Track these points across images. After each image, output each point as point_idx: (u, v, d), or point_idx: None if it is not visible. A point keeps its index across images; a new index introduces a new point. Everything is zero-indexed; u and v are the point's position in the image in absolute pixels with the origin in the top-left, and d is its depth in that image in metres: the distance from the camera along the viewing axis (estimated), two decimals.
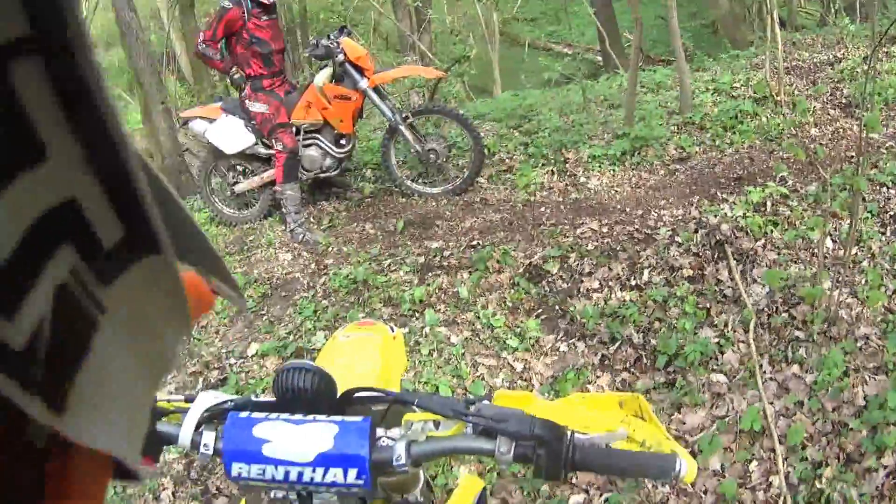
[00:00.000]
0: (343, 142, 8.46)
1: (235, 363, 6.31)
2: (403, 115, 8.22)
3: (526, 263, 6.30)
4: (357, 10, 21.18)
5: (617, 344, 5.45)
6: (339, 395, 1.77)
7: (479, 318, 5.88)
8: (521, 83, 16.05)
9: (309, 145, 8.38)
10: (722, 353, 5.16)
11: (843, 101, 8.83)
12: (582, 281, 5.99)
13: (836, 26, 11.62)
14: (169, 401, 1.90)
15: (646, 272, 5.85)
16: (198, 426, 1.73)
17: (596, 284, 5.93)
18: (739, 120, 8.49)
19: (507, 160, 8.79)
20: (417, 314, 6.12)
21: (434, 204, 8.18)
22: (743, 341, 5.18)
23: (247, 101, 8.24)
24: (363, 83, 8.08)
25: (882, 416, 4.21)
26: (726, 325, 5.28)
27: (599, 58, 18.56)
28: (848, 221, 5.46)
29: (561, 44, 24.97)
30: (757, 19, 16.34)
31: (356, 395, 1.79)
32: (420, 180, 8.64)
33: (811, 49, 11.24)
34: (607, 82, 12.15)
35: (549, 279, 6.10)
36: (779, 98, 8.65)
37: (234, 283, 0.89)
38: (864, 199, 6.12)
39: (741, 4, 16.90)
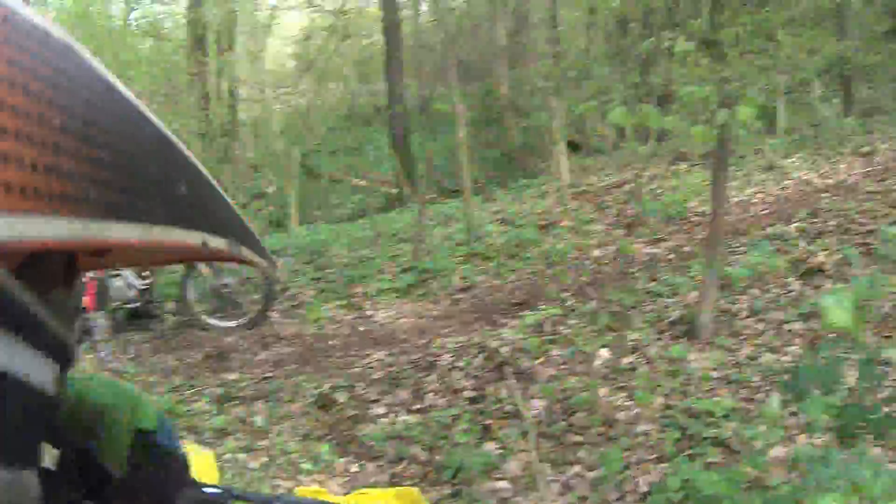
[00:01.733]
0: (145, 274, 8.70)
1: None
2: None
3: (317, 393, 6.61)
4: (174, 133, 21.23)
5: (405, 462, 5.69)
6: None
7: (274, 444, 6.08)
8: (317, 217, 16.34)
9: (114, 276, 8.56)
10: (504, 462, 5.45)
11: (627, 221, 9.41)
12: (370, 407, 6.31)
13: (627, 149, 12.08)
14: None
15: (429, 396, 6.20)
16: None
17: (382, 410, 6.25)
18: (523, 248, 8.99)
19: (299, 295, 9.19)
20: (218, 441, 6.25)
21: (231, 338, 8.44)
22: (524, 450, 5.44)
23: None
24: None
25: (665, 498, 4.52)
26: (507, 437, 5.61)
27: (395, 190, 18.98)
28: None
29: (358, 177, 25.37)
30: (550, 147, 17.04)
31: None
32: (217, 314, 8.85)
33: (601, 172, 11.89)
34: (399, 216, 12.56)
35: (339, 406, 6.40)
36: (563, 224, 9.13)
37: (264, 251, 1.06)
38: (640, 311, 6.61)
39: (535, 133, 17.55)
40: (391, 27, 18.64)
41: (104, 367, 8.01)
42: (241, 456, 6.03)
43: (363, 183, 24.44)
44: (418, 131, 18.06)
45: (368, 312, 8.44)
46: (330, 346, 7.74)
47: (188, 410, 6.79)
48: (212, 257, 0.94)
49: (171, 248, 0.78)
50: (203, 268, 8.53)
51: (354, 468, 5.77)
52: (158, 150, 0.79)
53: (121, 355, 8.49)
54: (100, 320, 8.21)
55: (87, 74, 0.69)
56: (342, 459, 5.86)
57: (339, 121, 29.02)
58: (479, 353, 6.54)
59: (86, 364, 8.25)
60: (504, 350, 6.48)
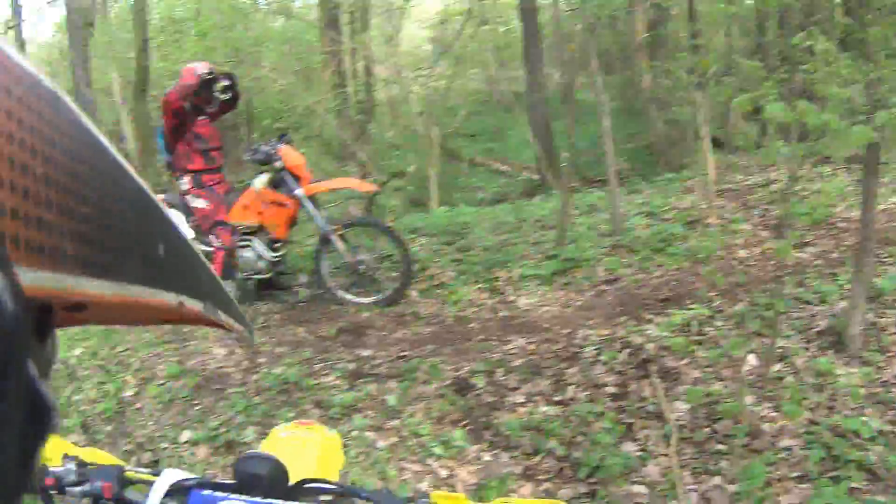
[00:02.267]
0: (277, 246, 8.66)
1: (167, 447, 6.32)
2: (335, 226, 8.36)
3: (454, 376, 6.38)
4: (302, 114, 21.35)
5: (540, 456, 5.47)
6: (290, 484, 1.87)
7: (405, 425, 5.92)
8: (457, 199, 16.17)
9: (244, 247, 8.56)
10: (644, 465, 5.20)
11: (774, 222, 8.98)
12: (508, 395, 6.06)
13: (771, 147, 11.66)
14: (136, 471, 2.00)
15: (570, 389, 5.93)
16: (163, 498, 1.86)
17: (521, 399, 5.99)
18: (669, 243, 8.66)
19: (438, 275, 8.93)
20: (346, 418, 6.15)
21: (367, 314, 8.27)
22: (665, 454, 5.22)
23: (188, 197, 8.40)
24: (299, 191, 8.29)
25: None
26: (648, 439, 5.36)
27: (537, 176, 18.72)
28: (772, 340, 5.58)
29: (499, 161, 25.22)
30: (694, 142, 16.67)
31: (307, 485, 1.89)
32: (352, 290, 8.71)
33: (746, 171, 11.51)
34: (542, 203, 12.29)
35: (476, 392, 6.16)
36: (708, 221, 8.83)
37: (240, 316, 1.06)
38: (787, 317, 6.29)
39: (677, 128, 17.18)
40: (528, 14, 18.43)
41: (230, 337, 8.02)
42: (370, 434, 5.89)
43: (505, 168, 24.30)
44: (559, 119, 17.83)
45: (510, 298, 8.15)
46: (469, 329, 7.49)
47: (316, 384, 6.67)
48: (187, 320, 0.94)
49: (147, 307, 0.78)
50: (339, 243, 8.39)
51: (487, 457, 5.54)
52: (139, 209, 0.80)
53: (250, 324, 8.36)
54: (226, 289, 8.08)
55: (73, 126, 0.69)
56: (475, 446, 5.63)
57: (479, 105, 28.95)
58: (623, 348, 6.23)
59: (209, 330, 8.33)
60: (649, 347, 6.18)
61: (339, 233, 8.45)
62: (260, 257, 8.65)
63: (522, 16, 18.75)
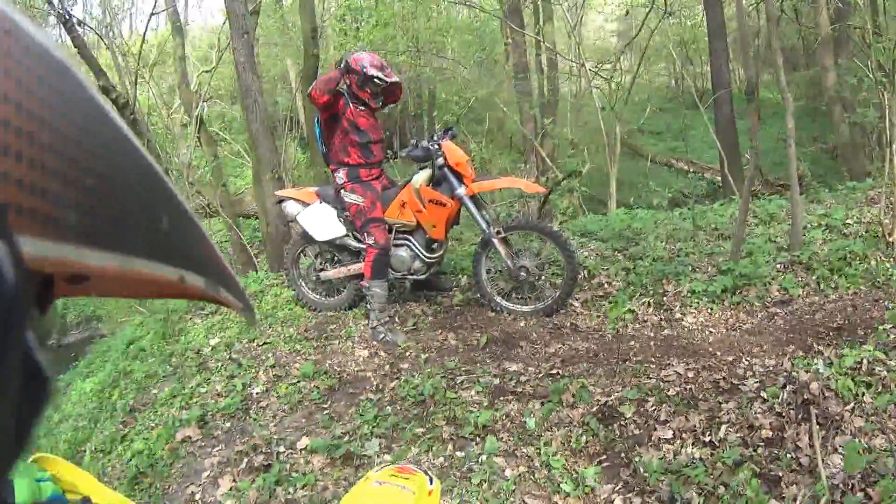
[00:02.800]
0: (434, 247, 8.35)
1: (283, 452, 6.23)
2: (497, 229, 7.98)
3: (601, 402, 5.95)
4: (484, 105, 21.23)
5: None
6: None
7: (539, 453, 5.56)
8: (639, 199, 15.71)
9: (399, 245, 8.31)
10: None
11: None
12: (655, 429, 5.58)
13: None
14: None
15: (723, 427, 5.42)
16: None
17: (669, 434, 5.51)
18: (848, 262, 8.03)
19: (605, 285, 8.51)
20: (479, 439, 5.86)
21: (522, 323, 7.95)
22: None
23: (342, 191, 8.19)
24: (461, 190, 7.94)
25: None
26: (795, 499, 4.84)
27: (719, 178, 18.19)
28: None
29: (682, 160, 24.73)
30: (877, 148, 15.88)
31: None
32: (513, 296, 8.37)
33: None
34: (721, 208, 11.72)
35: (622, 422, 5.71)
36: (891, 239, 8.15)
37: (242, 294, 1.00)
38: None
39: (862, 132, 16.40)
40: (712, 6, 17.91)
41: (375, 338, 7.86)
42: (499, 460, 5.56)
43: (687, 168, 23.81)
44: (744, 118, 17.22)
45: (677, 315, 7.68)
46: (628, 348, 7.03)
47: (455, 398, 6.39)
48: (188, 295, 0.86)
49: (148, 281, 0.75)
50: (500, 247, 8.01)
51: (618, 500, 5.11)
52: (144, 182, 0.77)
53: (398, 326, 8.21)
54: (375, 289, 7.99)
55: (81, 98, 0.68)
56: (608, 486, 5.21)
57: (664, 102, 28.48)
58: (787, 384, 5.67)
59: (353, 329, 8.19)
60: (814, 386, 5.62)
61: (502, 236, 8.06)
62: (416, 257, 8.36)
63: (707, 8, 18.27)
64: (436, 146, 8.06)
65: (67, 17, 14.26)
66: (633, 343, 7.15)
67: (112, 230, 0.68)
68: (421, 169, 8.31)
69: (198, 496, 6.27)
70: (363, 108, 8.17)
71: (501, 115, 21.19)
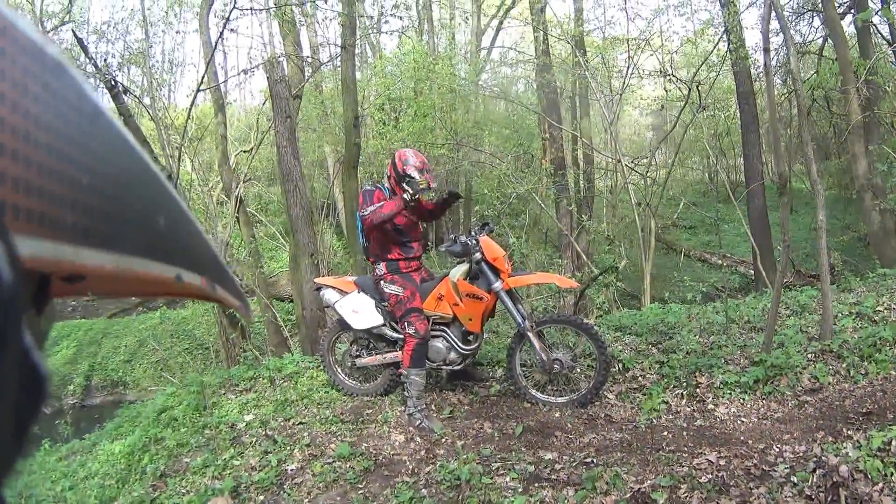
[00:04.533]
0: (470, 339, 8.45)
1: None
2: (531, 323, 8.11)
3: (635, 489, 5.97)
4: (521, 200, 21.37)
5: None
6: None
7: None
8: (673, 294, 15.73)
9: (436, 336, 8.40)
10: None
11: None
12: None
13: None
14: None
15: None
16: None
17: None
18: (878, 348, 8.10)
19: (639, 378, 8.61)
20: None
21: (557, 414, 8.03)
22: None
23: (382, 282, 8.31)
24: (497, 285, 8.08)
25: None
26: None
27: (752, 271, 18.21)
28: None
29: (715, 255, 24.75)
30: None
31: None
32: (548, 388, 8.44)
33: None
34: (754, 301, 11.81)
35: None
36: None
37: (239, 293, 1.04)
38: None
39: (894, 218, 16.43)
40: (745, 98, 18.06)
41: (412, 424, 7.92)
42: None
43: (720, 262, 23.84)
44: (777, 210, 17.35)
45: (709, 406, 7.75)
46: (661, 438, 7.10)
47: (490, 483, 6.40)
48: (185, 294, 0.92)
49: (145, 280, 0.78)
50: (535, 340, 8.11)
51: None
52: (141, 181, 0.80)
53: (434, 413, 8.28)
54: (413, 377, 8.09)
55: (77, 96, 0.69)
56: None
57: (697, 196, 28.59)
58: (817, 468, 5.74)
59: (390, 414, 8.23)
60: (843, 469, 5.68)
61: (536, 330, 8.19)
62: (452, 348, 8.46)
63: (739, 101, 18.45)
64: (473, 241, 8.21)
65: (114, 83, 14.44)
66: (665, 433, 7.23)
67: (108, 229, 0.70)
68: (459, 263, 8.45)
69: None
70: (411, 216, 8.38)
71: (538, 210, 21.32)
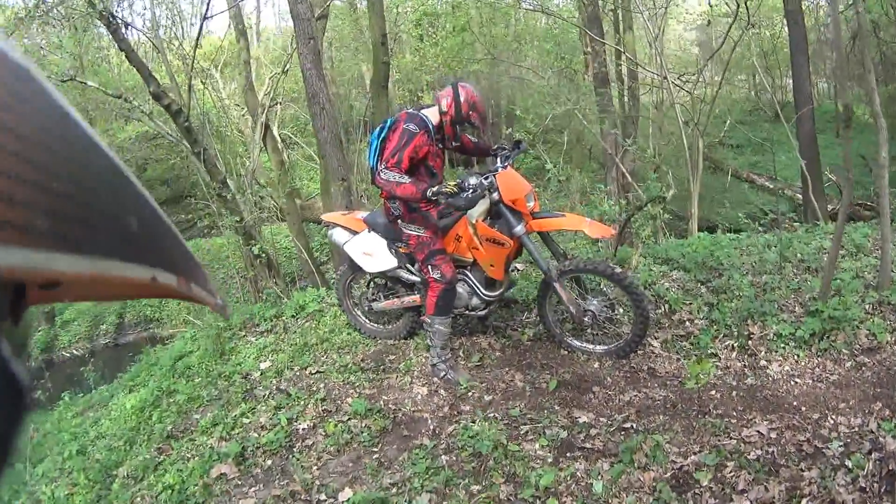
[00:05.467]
0: (494, 284, 7.81)
1: (324, 502, 5.85)
2: (558, 272, 7.44)
3: (677, 465, 5.52)
4: (563, 119, 20.82)
5: None
6: None
7: None
8: (720, 216, 15.12)
9: (459, 280, 7.77)
10: None
11: None
12: (732, 499, 5.12)
13: None
14: None
15: (804, 502, 4.95)
16: None
17: None
18: None
19: (687, 323, 7.93)
20: (539, 502, 5.42)
21: (596, 364, 7.48)
22: None
23: (400, 222, 7.58)
24: (519, 229, 7.37)
25: None
26: None
27: (800, 196, 17.63)
28: None
29: (763, 177, 24.20)
30: None
31: None
32: (581, 336, 7.84)
33: None
34: (807, 236, 11.08)
35: (697, 490, 5.25)
36: None
37: (212, 289, 1.03)
38: None
39: None
40: (794, 17, 17.39)
41: (436, 376, 7.46)
42: None
43: (769, 185, 23.28)
44: (821, 132, 16.66)
45: (762, 362, 7.15)
46: (709, 399, 6.57)
47: (518, 451, 5.97)
48: (161, 294, 0.88)
49: (121, 283, 0.75)
50: (561, 291, 7.46)
51: None
52: (111, 182, 0.79)
53: (461, 361, 7.80)
54: (438, 326, 7.50)
55: (42, 100, 0.70)
56: None
57: (744, 114, 27.92)
58: (872, 450, 5.23)
59: (413, 362, 7.81)
60: None
61: (567, 278, 7.53)
62: (474, 294, 7.84)
63: (787, 20, 17.79)
64: (487, 181, 7.32)
65: (111, 17, 14.00)
66: (714, 393, 6.70)
67: (82, 234, 0.67)
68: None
69: None
70: (440, 146, 7.58)
71: (580, 128, 20.75)
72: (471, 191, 7.06)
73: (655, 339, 7.73)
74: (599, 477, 5.51)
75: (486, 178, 7.31)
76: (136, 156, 29.78)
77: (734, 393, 6.66)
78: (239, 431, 7.12)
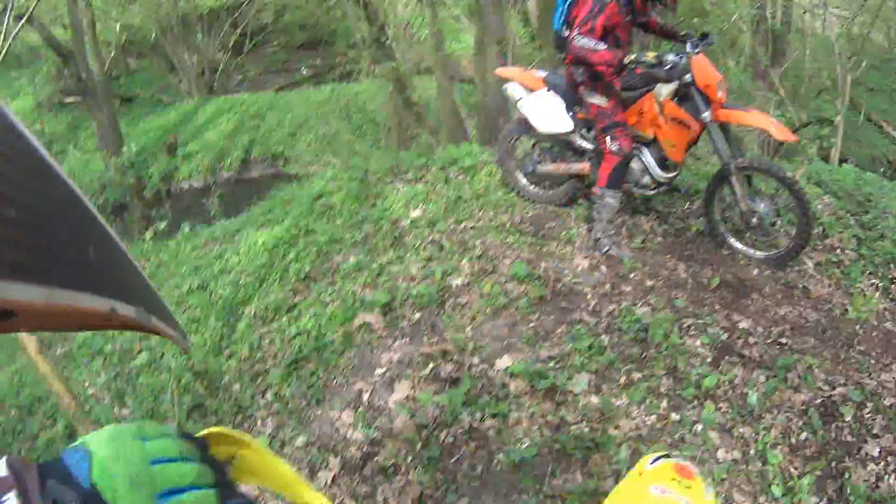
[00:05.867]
0: (668, 165, 7.68)
1: (477, 365, 5.90)
2: (738, 165, 7.31)
3: (824, 393, 5.55)
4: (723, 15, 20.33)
5: None
6: None
7: (756, 440, 5.18)
8: (851, 154, 14.88)
9: (633, 155, 7.62)
10: None
11: None
12: (866, 441, 5.18)
13: None
14: None
15: None
16: None
17: (875, 452, 5.09)
18: None
19: (837, 250, 7.81)
20: (697, 403, 5.50)
21: (755, 271, 7.36)
22: None
23: (582, 88, 7.41)
24: (707, 115, 7.21)
25: None
26: None
27: None
28: None
29: (890, 125, 23.69)
30: None
31: None
32: (742, 238, 7.76)
33: None
34: None
35: (839, 423, 5.31)
36: None
37: (174, 322, 1.01)
38: None
39: None
40: None
41: (599, 250, 7.36)
42: (713, 436, 5.21)
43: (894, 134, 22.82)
44: None
45: None
46: (854, 333, 6.47)
47: (679, 345, 5.97)
48: (120, 325, 0.88)
49: (78, 313, 0.75)
50: (737, 185, 7.34)
51: None
52: (67, 210, 0.79)
53: (624, 240, 7.70)
54: (608, 199, 7.40)
55: (2, 127, 0.70)
56: (813, 498, 4.81)
57: (881, 60, 27.09)
58: None
59: (575, 232, 7.70)
60: None
61: (743, 174, 7.38)
62: (646, 172, 7.69)
63: None
64: (684, 60, 7.20)
65: None
66: (858, 328, 6.60)
67: (37, 262, 0.66)
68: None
69: (365, 397, 5.94)
70: (630, 18, 7.35)
71: (737, 31, 20.25)
72: (671, 65, 7.07)
73: (810, 258, 7.61)
74: (755, 388, 5.55)
75: (681, 58, 7.20)
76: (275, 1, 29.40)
77: (874, 333, 6.57)
78: (385, 280, 7.03)
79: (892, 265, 7.59)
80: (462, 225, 7.90)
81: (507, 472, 5.09)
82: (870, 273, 7.51)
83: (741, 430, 5.26)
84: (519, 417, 5.41)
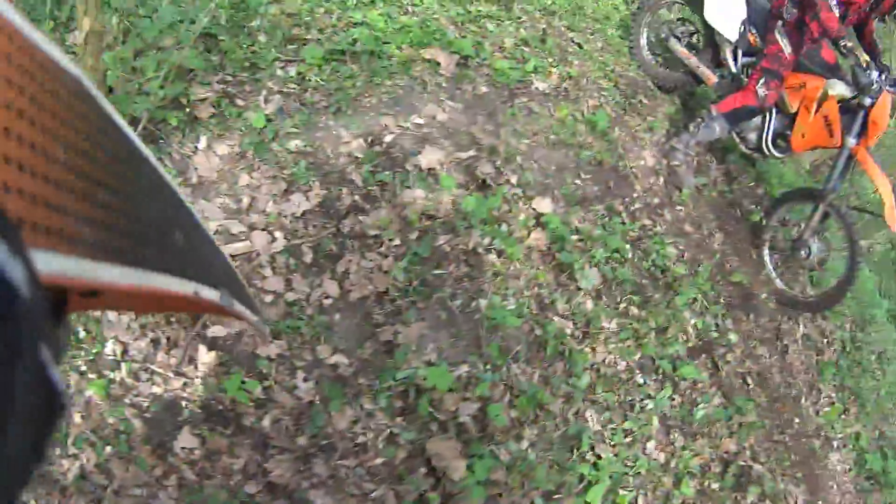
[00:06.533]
0: (780, 143, 7.19)
1: (513, 187, 5.48)
2: (832, 201, 6.85)
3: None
4: None
5: None
6: None
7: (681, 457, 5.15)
8: None
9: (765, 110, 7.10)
10: None
11: None
12: None
13: None
14: None
15: None
16: None
17: None
18: None
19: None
20: (662, 380, 5.44)
21: (766, 295, 7.10)
22: None
23: (780, 25, 6.83)
24: (852, 142, 6.70)
25: None
26: None
27: None
28: None
29: None
30: None
31: None
32: (779, 259, 7.37)
33: None
34: None
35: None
36: None
37: (255, 306, 1.05)
38: None
39: None
40: None
41: (666, 156, 7.09)
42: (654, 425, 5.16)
43: None
44: None
45: None
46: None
47: (681, 312, 5.84)
48: (203, 309, 0.90)
49: (162, 296, 0.77)
50: (816, 218, 6.90)
51: None
52: (158, 197, 0.82)
53: (692, 169, 7.28)
54: (716, 125, 7.01)
55: (95, 114, 0.72)
56: None
57: None
58: None
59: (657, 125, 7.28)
60: None
61: (827, 209, 6.89)
62: (759, 134, 7.17)
63: None
64: (880, 87, 6.55)
65: None
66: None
67: (126, 245, 0.68)
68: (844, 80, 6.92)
69: (387, 138, 5.27)
70: (867, 9, 6.70)
71: None
72: (868, 79, 6.55)
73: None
74: (703, 407, 5.54)
75: (879, 83, 6.58)
76: None
77: None
78: (476, 30, 6.48)
79: None
80: (570, 33, 7.38)
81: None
82: None
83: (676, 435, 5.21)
84: (519, 270, 5.12)
